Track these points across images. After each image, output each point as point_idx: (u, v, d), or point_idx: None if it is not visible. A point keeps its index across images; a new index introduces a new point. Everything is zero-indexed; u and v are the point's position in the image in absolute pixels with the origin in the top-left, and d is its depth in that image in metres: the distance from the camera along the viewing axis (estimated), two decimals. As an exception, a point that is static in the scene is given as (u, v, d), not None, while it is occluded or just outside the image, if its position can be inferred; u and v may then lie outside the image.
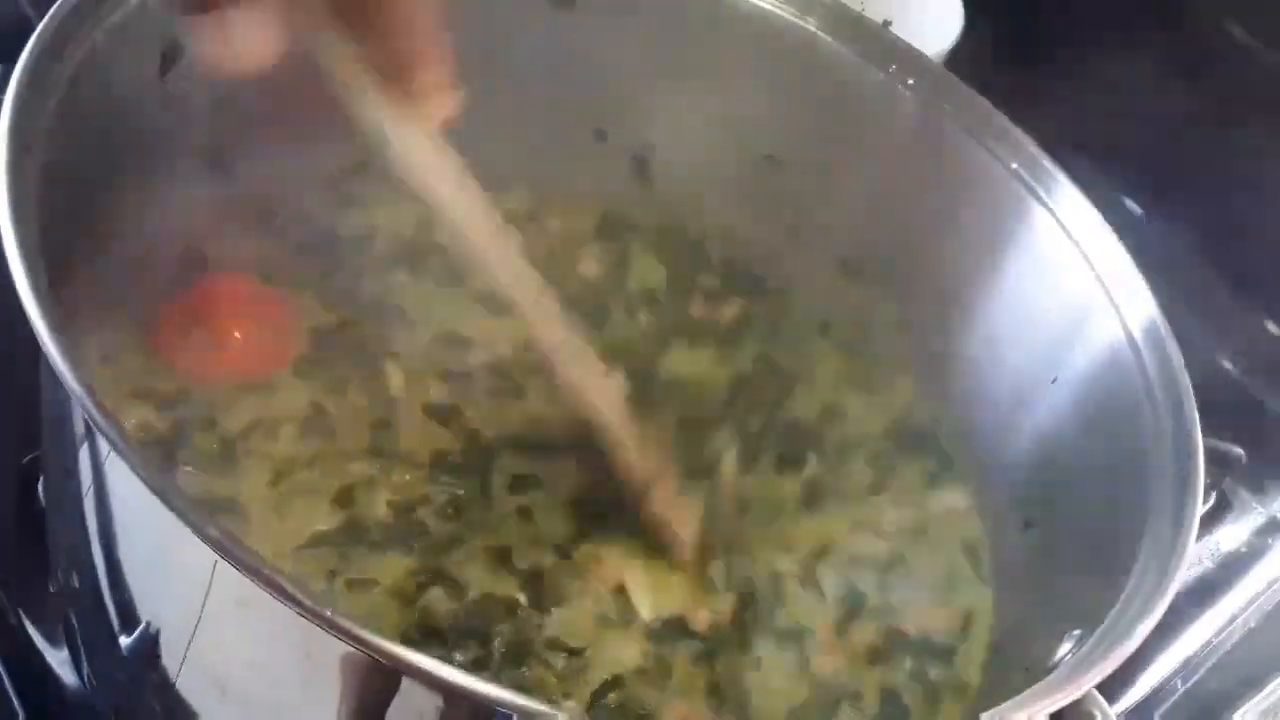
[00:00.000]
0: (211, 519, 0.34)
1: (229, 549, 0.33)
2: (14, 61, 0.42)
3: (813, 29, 0.61)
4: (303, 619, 0.33)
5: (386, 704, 0.35)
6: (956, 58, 0.74)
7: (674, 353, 0.61)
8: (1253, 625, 0.66)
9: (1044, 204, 0.57)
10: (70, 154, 0.43)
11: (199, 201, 0.56)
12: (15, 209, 0.38)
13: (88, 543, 0.42)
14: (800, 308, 0.66)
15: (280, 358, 0.52)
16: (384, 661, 0.33)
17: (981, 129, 0.59)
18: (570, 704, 0.46)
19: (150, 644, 0.41)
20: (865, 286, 0.64)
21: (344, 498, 0.50)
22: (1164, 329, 0.52)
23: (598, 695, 0.47)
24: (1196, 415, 0.49)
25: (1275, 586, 0.67)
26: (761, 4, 0.61)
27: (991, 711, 0.38)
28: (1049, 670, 0.43)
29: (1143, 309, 0.53)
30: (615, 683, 0.48)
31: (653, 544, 0.51)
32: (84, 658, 0.47)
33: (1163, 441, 0.49)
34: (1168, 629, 0.61)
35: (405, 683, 0.33)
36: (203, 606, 0.38)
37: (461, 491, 0.52)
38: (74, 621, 0.46)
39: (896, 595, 0.54)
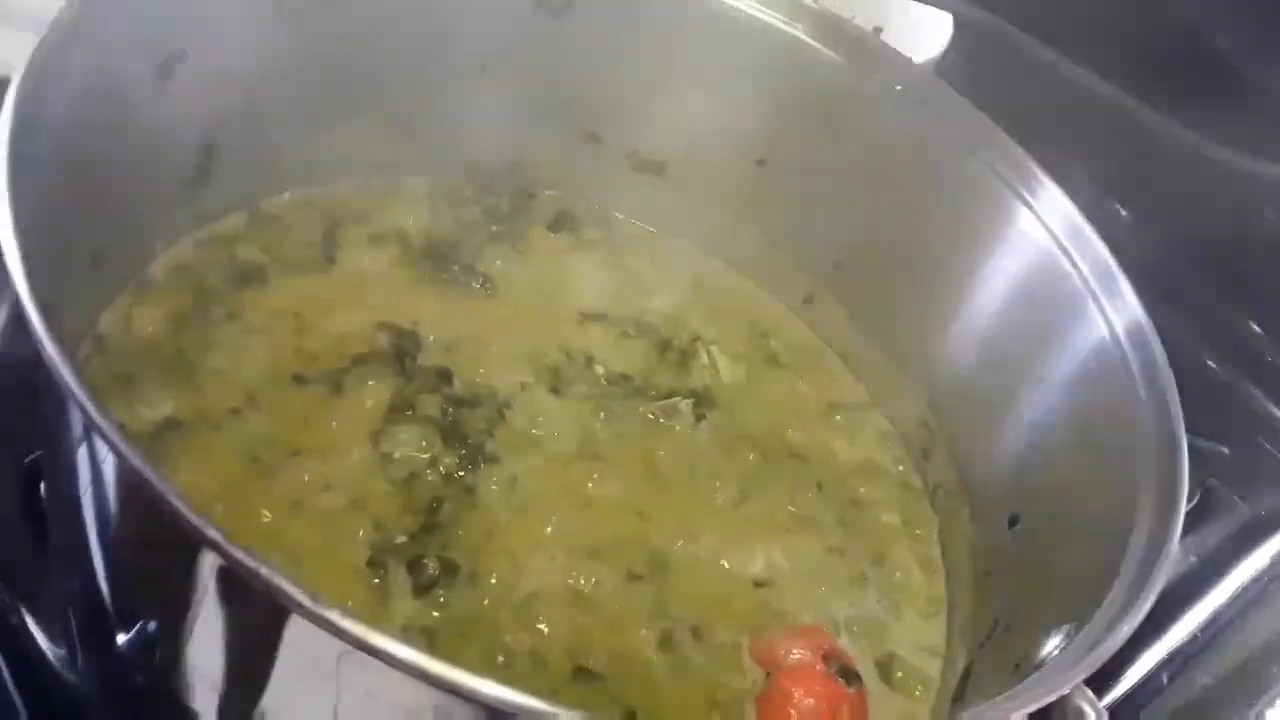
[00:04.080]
0: (208, 519, 0.34)
1: (226, 548, 0.34)
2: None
3: (802, 36, 0.61)
4: (299, 618, 0.33)
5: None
6: (944, 64, 0.75)
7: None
8: (1237, 620, 0.66)
9: (1030, 207, 0.57)
10: (71, 160, 0.43)
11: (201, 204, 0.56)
12: (16, 214, 0.38)
13: (86, 542, 0.42)
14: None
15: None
16: (383, 660, 0.33)
17: (969, 134, 0.59)
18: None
19: (147, 642, 0.41)
20: (857, 289, 0.65)
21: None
22: (1148, 329, 0.53)
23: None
24: (1181, 414, 0.50)
25: (1259, 582, 0.68)
26: (751, 11, 0.61)
27: (973, 710, 0.38)
28: (1037, 666, 0.44)
29: (1127, 309, 0.54)
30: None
31: None
32: (82, 655, 0.47)
33: (1148, 440, 0.49)
34: (1154, 624, 0.61)
35: (404, 679, 0.33)
36: (199, 605, 0.38)
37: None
38: (73, 619, 0.46)
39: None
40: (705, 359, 0.63)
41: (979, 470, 0.59)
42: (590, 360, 0.61)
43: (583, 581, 0.51)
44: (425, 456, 0.53)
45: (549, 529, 0.52)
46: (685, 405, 0.60)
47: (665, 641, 0.50)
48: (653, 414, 0.59)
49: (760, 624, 0.52)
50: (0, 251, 0.37)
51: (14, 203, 0.38)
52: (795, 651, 0.49)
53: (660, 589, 0.52)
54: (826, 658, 0.49)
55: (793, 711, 0.47)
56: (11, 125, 0.40)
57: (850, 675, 0.49)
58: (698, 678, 0.50)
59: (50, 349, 0.36)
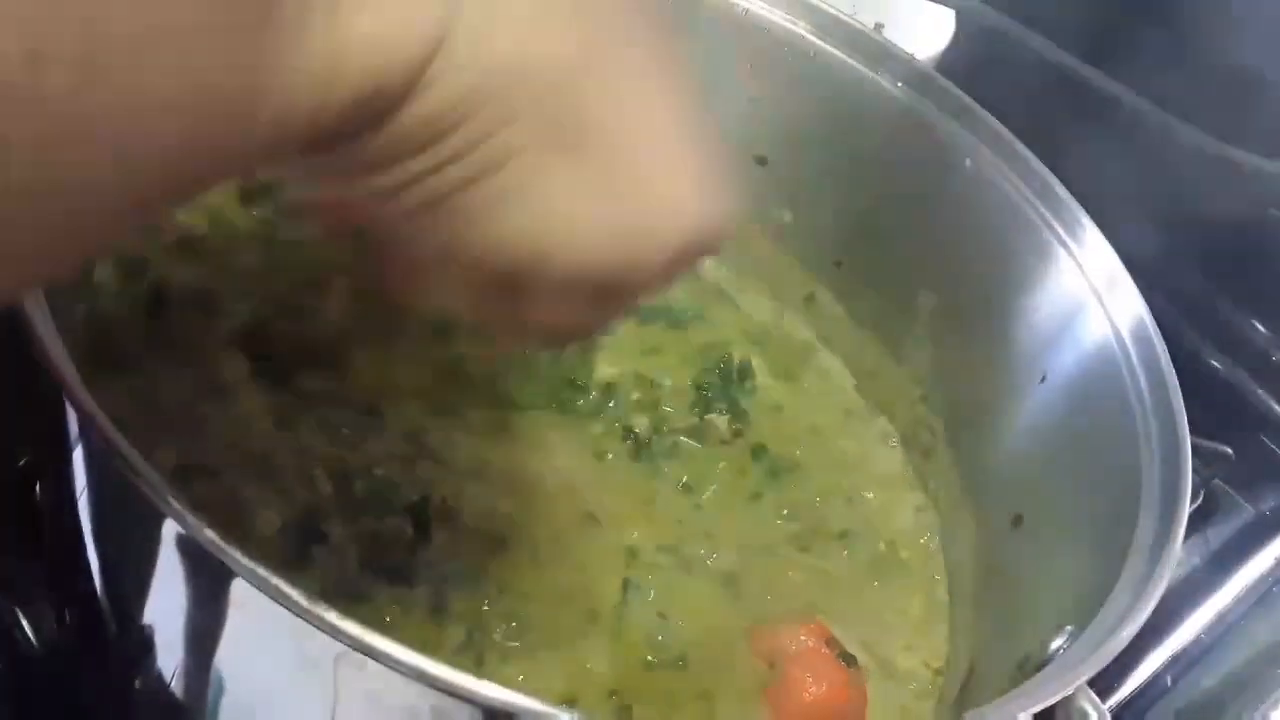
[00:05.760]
0: (206, 521, 0.34)
1: (225, 551, 0.34)
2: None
3: (804, 33, 0.61)
4: (298, 619, 0.33)
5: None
6: (947, 61, 0.75)
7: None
8: (1242, 622, 0.66)
9: (1032, 204, 0.57)
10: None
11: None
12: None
13: (82, 544, 0.42)
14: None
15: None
16: (381, 661, 0.33)
17: (970, 131, 0.59)
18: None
19: (145, 644, 0.41)
20: (858, 287, 0.64)
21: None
22: (1151, 328, 0.52)
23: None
24: (1184, 413, 0.49)
25: (1264, 583, 0.68)
26: (752, 9, 0.61)
27: (975, 711, 0.38)
28: (1040, 666, 0.43)
29: (1130, 308, 0.53)
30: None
31: None
32: (79, 658, 0.47)
33: (1151, 440, 0.49)
34: (1158, 626, 0.61)
35: (401, 681, 0.33)
36: (198, 607, 0.38)
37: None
38: (69, 622, 0.46)
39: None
40: (719, 362, 0.62)
41: (981, 470, 0.58)
42: None
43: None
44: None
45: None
46: (722, 421, 0.59)
47: (661, 636, 0.50)
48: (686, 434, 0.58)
49: (757, 621, 0.52)
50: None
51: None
52: (801, 639, 0.50)
53: (655, 587, 0.52)
54: (829, 644, 0.50)
55: (807, 696, 0.48)
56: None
57: (850, 659, 0.50)
58: (694, 674, 0.49)
59: (43, 344, 0.36)
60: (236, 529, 0.45)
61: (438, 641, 0.47)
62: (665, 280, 0.36)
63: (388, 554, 0.48)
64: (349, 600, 0.46)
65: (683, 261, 0.35)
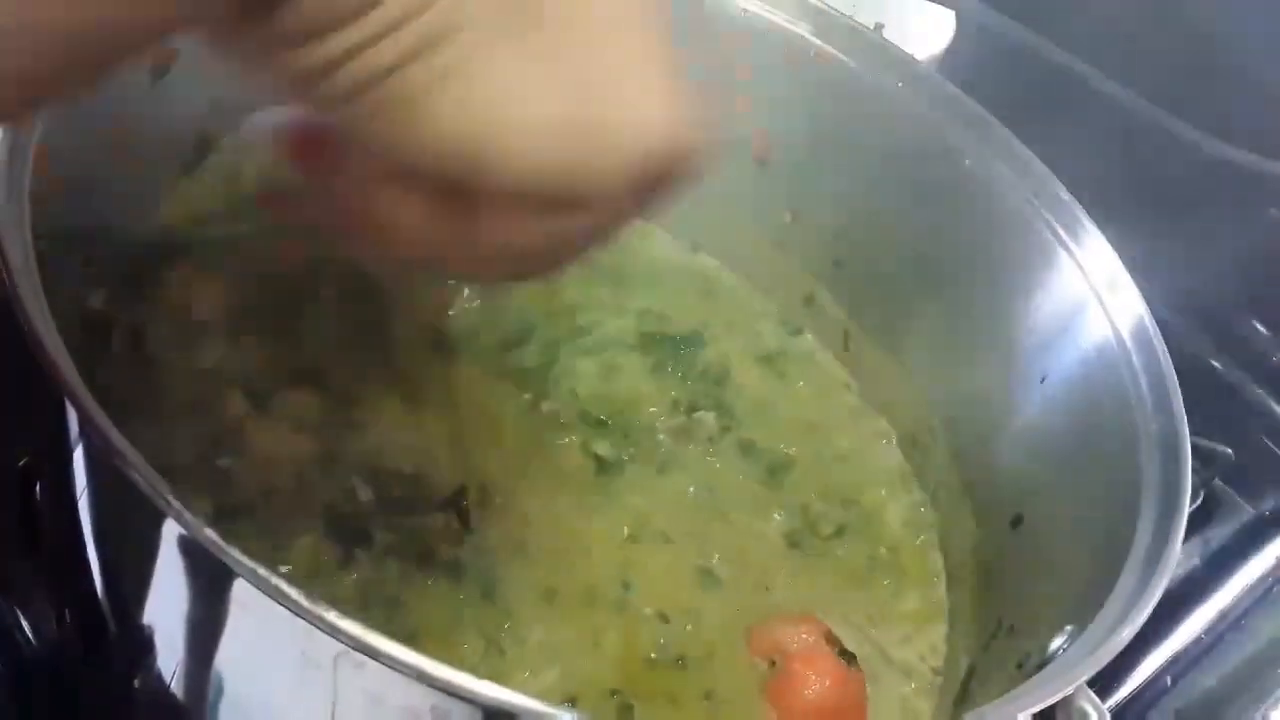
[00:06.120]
0: (206, 522, 0.34)
1: (225, 551, 0.34)
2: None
3: (805, 34, 0.61)
4: (299, 620, 0.33)
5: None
6: (948, 62, 0.75)
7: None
8: (1242, 622, 0.66)
9: (1032, 204, 0.57)
10: (64, 160, 0.43)
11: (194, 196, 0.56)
12: (11, 209, 0.38)
13: (82, 544, 0.42)
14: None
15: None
16: (380, 661, 0.33)
17: (970, 131, 0.59)
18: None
19: (145, 644, 0.41)
20: (858, 287, 0.64)
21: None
22: (1152, 328, 0.53)
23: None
24: (1184, 414, 0.49)
25: (1264, 583, 0.68)
26: (754, 9, 0.61)
27: (976, 711, 0.38)
28: (1040, 666, 0.43)
29: (1130, 308, 0.53)
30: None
31: None
32: (79, 658, 0.47)
33: (1151, 440, 0.49)
34: (1158, 625, 0.61)
35: (401, 681, 0.33)
36: (198, 607, 0.38)
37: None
38: (69, 622, 0.46)
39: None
40: (717, 362, 0.62)
41: (980, 470, 0.58)
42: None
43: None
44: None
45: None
46: (710, 417, 0.59)
47: (662, 635, 0.50)
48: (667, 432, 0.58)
49: (757, 619, 0.52)
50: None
51: (9, 196, 0.38)
52: (801, 635, 0.51)
53: (655, 587, 0.52)
54: (829, 641, 0.51)
55: (808, 692, 0.49)
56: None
57: (849, 656, 0.51)
58: (695, 673, 0.50)
59: (44, 344, 0.36)
60: (282, 554, 0.46)
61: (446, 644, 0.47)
62: (626, 201, 0.31)
63: (428, 552, 0.49)
64: (385, 604, 0.47)
65: (648, 180, 0.30)
